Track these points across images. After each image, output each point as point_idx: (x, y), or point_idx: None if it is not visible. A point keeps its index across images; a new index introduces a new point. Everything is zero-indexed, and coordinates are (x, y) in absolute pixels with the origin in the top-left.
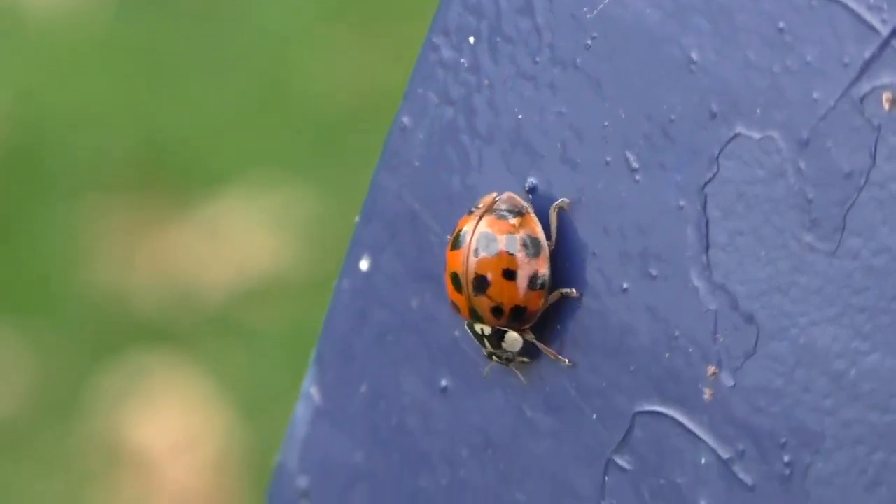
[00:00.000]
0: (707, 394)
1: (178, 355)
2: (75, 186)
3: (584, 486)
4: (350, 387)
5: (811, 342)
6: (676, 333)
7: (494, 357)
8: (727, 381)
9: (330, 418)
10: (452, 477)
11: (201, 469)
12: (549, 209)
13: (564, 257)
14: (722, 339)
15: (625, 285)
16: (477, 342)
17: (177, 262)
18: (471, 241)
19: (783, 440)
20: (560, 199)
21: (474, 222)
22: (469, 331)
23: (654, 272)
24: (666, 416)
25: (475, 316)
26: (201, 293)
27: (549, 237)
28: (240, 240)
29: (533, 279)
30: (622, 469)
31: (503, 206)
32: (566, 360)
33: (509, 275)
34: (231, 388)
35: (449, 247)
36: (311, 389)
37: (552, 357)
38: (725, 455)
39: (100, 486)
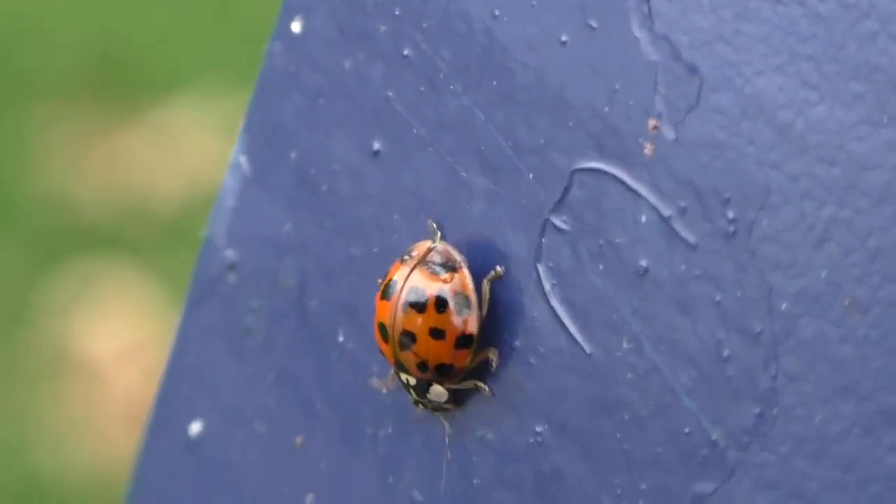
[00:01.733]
0: (648, 149)
1: (127, 263)
2: (24, 93)
3: (520, 248)
4: (280, 154)
5: (756, 93)
6: (616, 87)
7: (420, 405)
8: (668, 134)
9: (259, 188)
10: (384, 243)
11: (149, 376)
12: (482, 279)
13: None
14: (664, 92)
15: (563, 38)
16: (403, 388)
17: (127, 168)
18: (400, 293)
19: (727, 196)
20: (493, 271)
21: (406, 272)
22: (396, 377)
23: (593, 24)
24: (605, 173)
25: (400, 366)
26: (151, 200)
27: (480, 306)
28: (191, 146)
29: (461, 339)
30: (560, 230)
31: (437, 259)
32: (486, 389)
33: (437, 333)
34: (181, 295)
35: (379, 295)
36: (240, 159)
37: (474, 387)
38: (667, 212)
39: (47, 393)
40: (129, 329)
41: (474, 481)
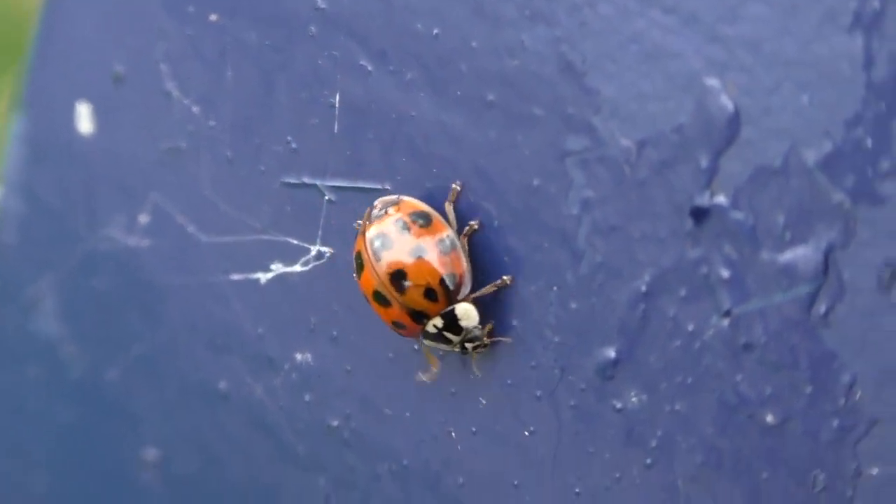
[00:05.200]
0: None
1: None
2: None
3: None
4: None
5: None
6: None
7: (468, 346)
8: None
9: None
10: None
11: None
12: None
13: None
14: None
15: None
16: (442, 345)
17: None
18: (367, 252)
19: None
20: (453, 188)
21: (360, 239)
22: (428, 342)
23: None
24: None
25: (417, 317)
26: None
27: (446, 219)
28: None
29: (441, 243)
30: None
31: (376, 209)
32: (509, 278)
33: (418, 251)
34: None
35: (355, 276)
36: None
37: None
38: None
39: None
40: None
41: None
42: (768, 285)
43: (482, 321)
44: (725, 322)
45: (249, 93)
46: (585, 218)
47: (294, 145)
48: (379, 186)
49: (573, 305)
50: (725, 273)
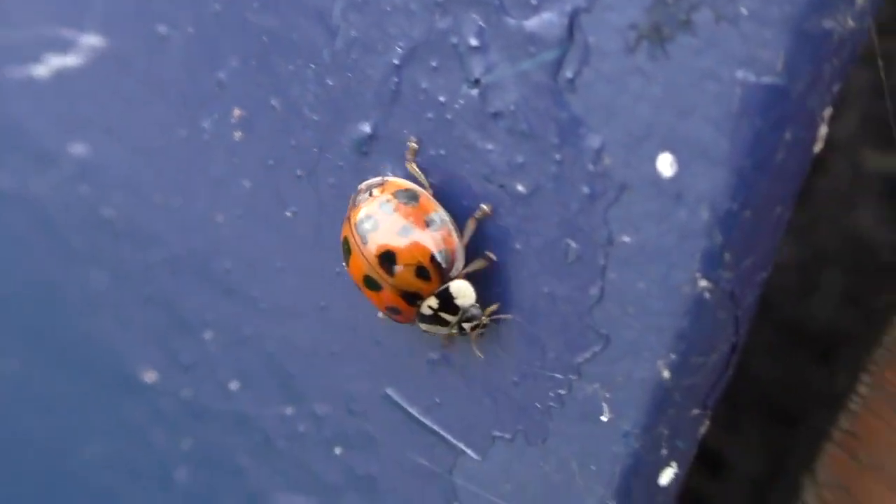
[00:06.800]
0: None
1: None
2: None
3: None
4: None
5: None
6: None
7: (465, 327)
8: None
9: None
10: None
11: None
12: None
13: None
14: None
15: None
16: (439, 328)
17: None
18: (354, 237)
19: None
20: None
21: (347, 223)
22: (425, 326)
23: None
24: None
25: (410, 299)
26: None
27: (424, 186)
28: None
29: (430, 220)
30: None
31: (361, 193)
32: (493, 256)
33: (406, 231)
34: None
35: (344, 263)
36: None
37: (485, 261)
38: None
39: None
40: None
41: None
42: (515, 52)
43: (479, 300)
44: (475, 91)
45: None
46: None
47: None
48: None
49: (329, 82)
50: (474, 42)
